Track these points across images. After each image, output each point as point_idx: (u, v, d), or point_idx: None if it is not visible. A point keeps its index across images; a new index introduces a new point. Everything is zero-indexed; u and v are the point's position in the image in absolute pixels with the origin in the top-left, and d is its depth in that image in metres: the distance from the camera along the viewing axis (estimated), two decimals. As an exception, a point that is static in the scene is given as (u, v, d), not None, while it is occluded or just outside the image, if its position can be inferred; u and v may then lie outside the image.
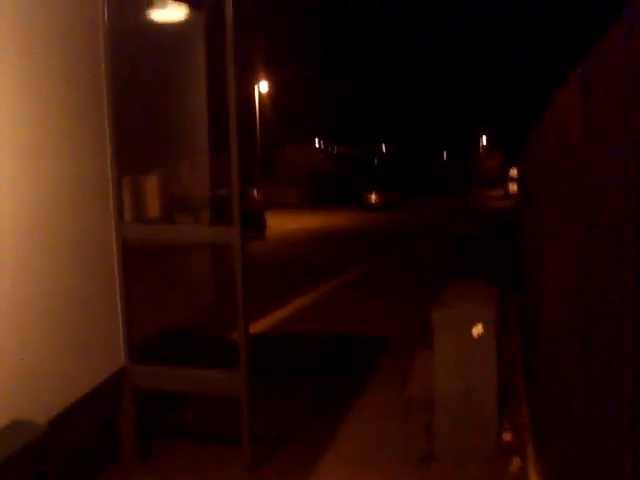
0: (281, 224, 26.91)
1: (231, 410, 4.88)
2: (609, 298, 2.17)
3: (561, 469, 3.43)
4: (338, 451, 5.16)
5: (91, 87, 4.50)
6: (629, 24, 1.89)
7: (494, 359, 4.83)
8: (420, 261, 16.60)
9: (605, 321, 2.24)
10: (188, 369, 4.90)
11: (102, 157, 4.59)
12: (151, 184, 5.45)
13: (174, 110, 5.83)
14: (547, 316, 4.39)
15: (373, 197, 43.23)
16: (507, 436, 5.17)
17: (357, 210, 40.14)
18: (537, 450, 4.78)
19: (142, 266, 5.12)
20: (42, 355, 3.95)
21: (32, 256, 3.88)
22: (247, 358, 4.62)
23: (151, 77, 5.37)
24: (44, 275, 3.98)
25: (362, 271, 14.92)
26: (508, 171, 47.64)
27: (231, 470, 4.80)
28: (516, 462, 4.82)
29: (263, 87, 42.61)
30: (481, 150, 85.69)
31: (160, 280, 5.51)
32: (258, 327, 8.67)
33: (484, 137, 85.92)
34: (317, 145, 60.51)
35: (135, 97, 5.03)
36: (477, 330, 4.73)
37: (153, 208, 5.77)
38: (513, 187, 39.01)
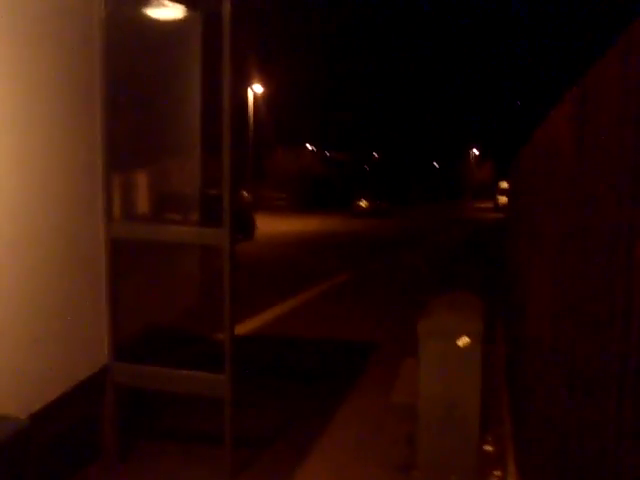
0: (270, 226, 26.91)
1: (215, 411, 4.86)
2: (597, 316, 2.19)
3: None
4: (320, 457, 5.16)
5: (83, 84, 4.48)
6: (626, 49, 1.91)
7: (478, 371, 4.84)
8: (406, 269, 16.65)
9: (591, 339, 2.25)
10: (172, 369, 4.88)
11: (92, 155, 4.57)
12: (141, 183, 5.44)
13: (167, 109, 5.82)
14: (532, 330, 4.40)
15: (363, 203, 43.33)
16: (489, 448, 5.19)
17: (346, 215, 40.21)
18: (518, 463, 4.79)
19: (129, 264, 5.10)
20: (24, 350, 3.92)
21: (18, 252, 3.85)
22: (232, 360, 4.61)
23: (145, 75, 5.35)
24: (30, 271, 3.96)
25: (350, 276, 14.94)
26: (498, 183, 47.88)
27: (211, 475, 4.78)
28: (497, 474, 4.84)
29: (257, 89, 42.62)
30: (472, 161, 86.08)
31: (146, 279, 5.50)
32: (244, 329, 8.65)
33: (475, 149, 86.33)
34: (309, 149, 60.53)
35: (128, 95, 5.01)
36: (463, 341, 4.75)
37: (142, 207, 5.75)
38: (502, 199, 39.23)
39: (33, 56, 3.94)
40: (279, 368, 7.59)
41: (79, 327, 4.50)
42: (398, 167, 64.94)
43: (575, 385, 2.52)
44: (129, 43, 4.99)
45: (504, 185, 39.07)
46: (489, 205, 53.54)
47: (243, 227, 20.92)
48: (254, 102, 41.88)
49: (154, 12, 5.61)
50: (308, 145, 59.75)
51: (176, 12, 5.75)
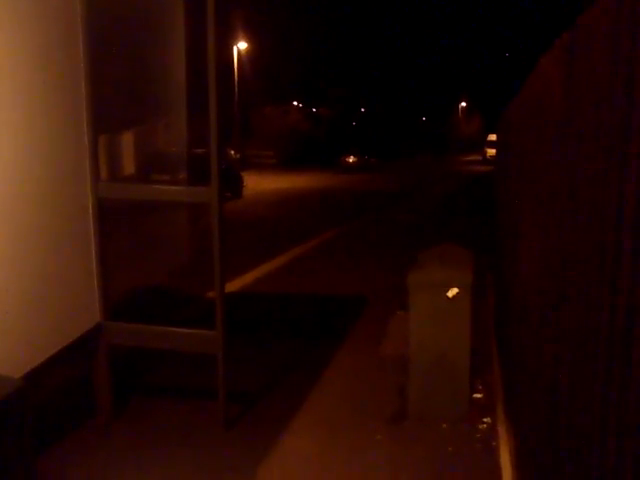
0: (258, 184, 26.81)
1: (207, 367, 4.90)
2: (586, 268, 2.20)
3: (529, 427, 3.50)
4: (311, 410, 5.23)
5: (67, 45, 4.39)
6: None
7: (468, 321, 4.89)
8: (396, 223, 16.69)
9: (580, 291, 2.27)
10: (164, 326, 4.91)
11: (79, 117, 4.50)
12: (128, 143, 5.39)
13: (152, 69, 5.73)
14: (522, 281, 4.44)
15: (350, 159, 43.18)
16: (478, 395, 5.27)
17: (334, 171, 40.07)
18: (507, 410, 4.88)
19: (119, 225, 5.09)
20: (16, 311, 3.93)
21: (6, 214, 3.82)
22: (223, 316, 4.63)
23: (129, 34, 5.25)
24: (19, 233, 3.94)
25: (339, 232, 14.96)
26: (486, 136, 47.76)
27: (206, 428, 4.85)
28: (486, 421, 4.92)
29: (242, 46, 42.03)
30: (460, 115, 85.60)
31: (136, 239, 5.49)
32: (234, 286, 8.68)
33: (463, 102, 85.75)
34: (296, 106, 59.99)
35: (112, 54, 4.93)
36: (452, 292, 4.78)
37: (129, 167, 5.71)
38: (491, 152, 39.19)
39: (14, 19, 3.85)
40: (270, 324, 7.64)
41: (70, 287, 4.50)
42: (386, 122, 64.55)
43: (563, 337, 2.55)
44: (112, 1, 4.89)
45: (492, 137, 38.98)
46: (477, 158, 53.46)
47: (231, 186, 20.84)
48: (239, 60, 41.34)
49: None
50: (295, 102, 59.21)
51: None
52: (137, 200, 5.14)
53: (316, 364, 6.18)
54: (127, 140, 5.74)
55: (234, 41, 40.57)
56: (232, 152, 25.78)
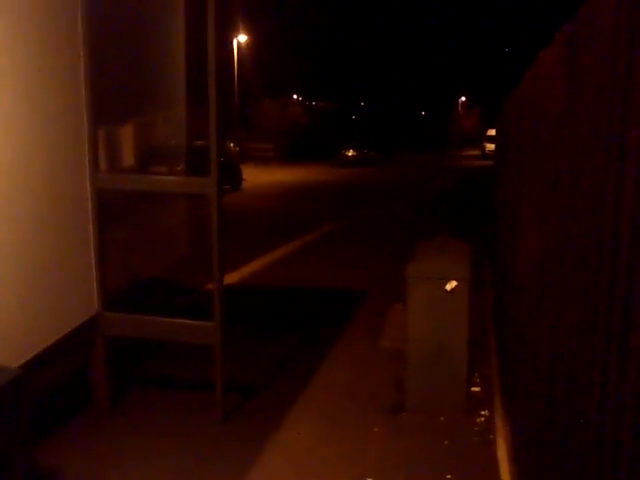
0: (257, 177, 26.78)
1: (204, 359, 4.90)
2: (585, 256, 2.20)
3: (526, 419, 3.51)
4: (309, 402, 5.23)
5: (67, 35, 4.37)
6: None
7: (465, 313, 4.89)
8: (395, 217, 16.68)
9: (579, 282, 2.27)
10: (161, 317, 4.90)
11: (79, 108, 4.49)
12: (127, 135, 5.37)
13: (152, 61, 5.72)
14: (520, 273, 4.44)
15: (350, 153, 43.11)
16: (476, 389, 5.28)
17: (334, 165, 40.02)
18: (505, 402, 4.88)
19: (118, 216, 5.07)
20: (14, 301, 3.92)
21: (5, 204, 3.82)
22: (221, 307, 4.63)
23: (129, 26, 5.24)
24: (18, 222, 3.93)
25: (337, 225, 14.96)
26: (486, 131, 47.70)
27: (203, 419, 4.85)
28: (484, 414, 4.93)
29: (242, 39, 41.92)
30: (460, 110, 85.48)
31: (135, 230, 5.48)
32: (232, 278, 8.67)
33: (463, 97, 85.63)
34: (295, 99, 59.90)
35: (112, 46, 4.91)
36: (450, 285, 4.78)
37: (129, 159, 5.69)
38: (490, 146, 39.15)
39: (14, 4, 3.83)
40: (268, 316, 7.64)
41: (68, 278, 4.50)
42: (385, 116, 64.46)
43: (562, 327, 2.55)
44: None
45: (491, 132, 38.96)
46: (476, 152, 53.41)
47: (230, 178, 20.80)
48: (239, 53, 41.24)
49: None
50: (294, 95, 59.11)
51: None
52: (136, 191, 5.13)
53: (314, 356, 6.18)
54: (126, 132, 5.73)
55: (234, 34, 40.46)
56: (231, 145, 25.71)
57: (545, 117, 3.37)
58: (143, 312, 4.94)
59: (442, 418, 4.86)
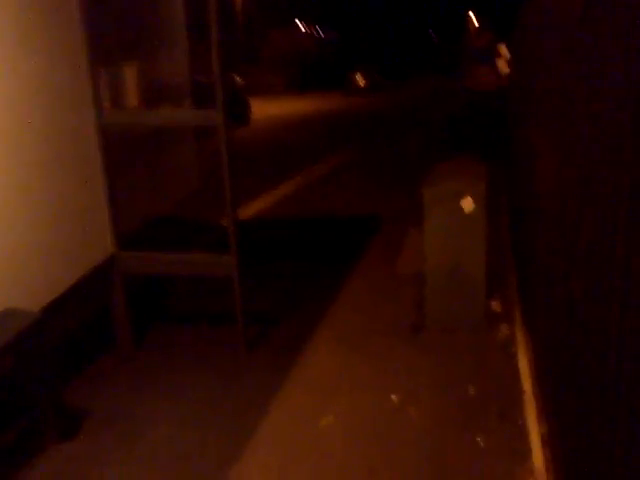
0: (266, 110, 26.44)
1: (223, 293, 4.91)
2: (605, 161, 2.13)
3: (547, 334, 3.50)
4: (331, 327, 5.26)
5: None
6: None
7: (483, 233, 4.85)
8: (410, 142, 16.45)
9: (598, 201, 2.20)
10: (177, 253, 4.90)
11: (78, 46, 4.39)
12: (129, 73, 5.24)
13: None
14: (537, 192, 4.36)
15: (359, 80, 42.38)
16: (496, 306, 5.27)
17: (343, 94, 39.41)
18: (524, 317, 4.88)
19: (126, 155, 5.01)
20: (29, 245, 3.92)
21: (13, 146, 3.77)
22: (237, 239, 4.61)
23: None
24: (27, 166, 3.89)
25: (350, 154, 14.79)
26: (496, 49, 46.50)
27: (228, 350, 4.89)
28: (504, 329, 4.94)
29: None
30: (471, 32, 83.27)
31: (145, 168, 5.42)
32: (248, 212, 8.65)
33: (474, 17, 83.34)
34: (301, 29, 58.64)
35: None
36: (467, 204, 4.72)
37: (132, 98, 5.57)
38: (502, 65, 38.25)
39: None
40: (285, 248, 7.62)
41: (81, 219, 4.48)
42: (395, 41, 63.07)
43: (577, 251, 2.49)
44: None
45: (503, 51, 38.03)
46: (489, 72, 52.24)
47: (238, 112, 20.52)
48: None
49: None
50: (300, 25, 57.86)
51: None
52: (143, 125, 5.06)
53: (333, 285, 6.19)
54: (128, 70, 5.60)
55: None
56: (238, 79, 25.31)
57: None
58: (159, 249, 4.94)
59: (462, 335, 4.88)
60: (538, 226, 4.06)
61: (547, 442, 3.40)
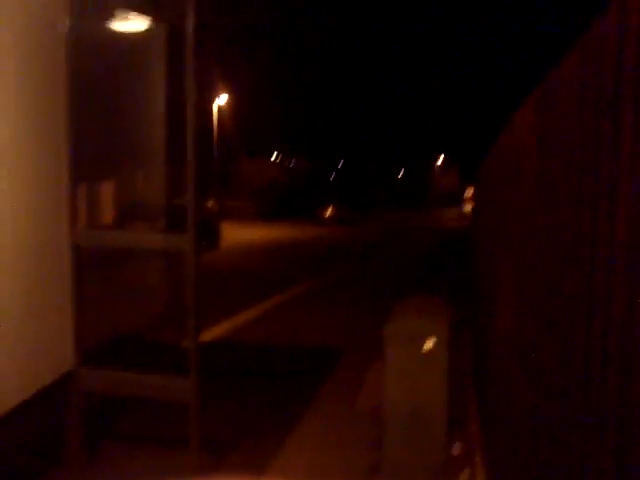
0: (236, 235, 26.80)
1: (180, 414, 4.80)
2: (560, 322, 2.22)
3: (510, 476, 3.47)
4: (285, 461, 5.14)
5: (49, 94, 4.43)
6: (582, 52, 1.96)
7: (444, 375, 4.85)
8: (373, 275, 16.70)
9: (554, 345, 2.29)
10: (137, 374, 4.83)
11: (59, 164, 4.51)
12: (107, 192, 5.38)
13: (133, 119, 5.79)
14: (498, 330, 4.45)
15: (328, 212, 43.44)
16: (457, 449, 5.20)
17: (311, 224, 40.23)
18: (486, 462, 4.82)
19: (95, 271, 5.04)
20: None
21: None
22: (197, 365, 4.57)
23: (111, 86, 5.32)
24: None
25: (315, 284, 14.94)
26: (465, 191, 48.26)
27: (178, 477, 4.72)
28: (466, 472, 4.86)
29: (222, 99, 42.48)
30: (438, 169, 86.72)
31: (112, 286, 5.44)
32: (210, 335, 8.60)
33: (441, 156, 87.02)
34: (274, 158, 60.50)
35: (94, 104, 4.97)
36: (428, 345, 4.77)
37: (108, 216, 5.69)
38: (467, 208, 39.60)
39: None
40: (245, 373, 7.54)
41: (43, 333, 4.43)
42: (363, 175, 65.22)
43: (540, 386, 2.55)
44: (95, 55, 4.95)
45: (469, 193, 39.53)
46: (455, 213, 53.91)
47: (208, 236, 20.78)
48: (219, 112, 41.73)
49: (119, 26, 5.59)
50: (274, 154, 59.75)
51: (141, 25, 5.74)
52: (114, 247, 5.12)
53: (291, 414, 6.09)
54: (106, 190, 5.74)
55: (214, 94, 40.98)
56: (210, 203, 25.80)
57: (519, 181, 3.44)
58: (120, 368, 4.87)
59: (421, 479, 4.79)
60: (499, 372, 4.12)
61: None
